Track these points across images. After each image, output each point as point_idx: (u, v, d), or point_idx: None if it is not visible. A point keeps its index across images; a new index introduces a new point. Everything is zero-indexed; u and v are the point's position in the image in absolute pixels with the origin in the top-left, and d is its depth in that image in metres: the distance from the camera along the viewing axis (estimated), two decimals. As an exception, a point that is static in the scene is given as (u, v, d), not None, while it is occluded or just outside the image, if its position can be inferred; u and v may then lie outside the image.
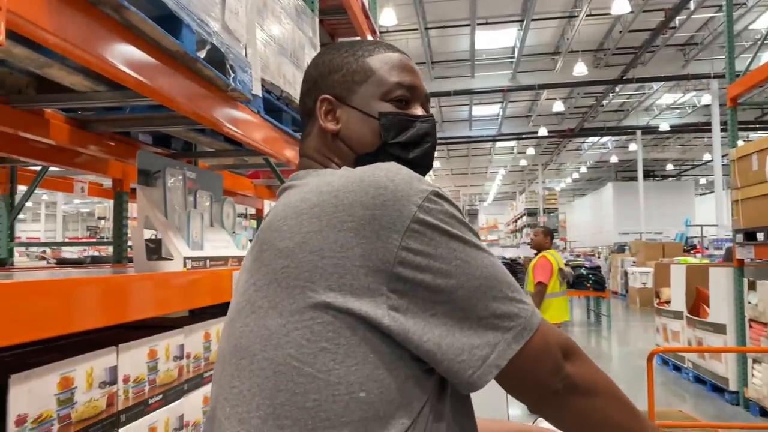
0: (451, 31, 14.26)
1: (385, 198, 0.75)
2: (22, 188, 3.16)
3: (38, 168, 3.12)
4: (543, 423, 0.97)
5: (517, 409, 4.39)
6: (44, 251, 10.39)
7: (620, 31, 14.28)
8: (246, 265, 0.87)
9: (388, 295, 0.74)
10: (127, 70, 1.32)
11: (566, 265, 6.13)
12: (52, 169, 3.16)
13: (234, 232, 2.08)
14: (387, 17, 11.07)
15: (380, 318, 0.73)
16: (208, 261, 1.81)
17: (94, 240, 11.60)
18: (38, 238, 21.24)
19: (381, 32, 13.34)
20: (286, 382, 0.74)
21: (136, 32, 1.34)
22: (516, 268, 10.41)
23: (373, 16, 4.93)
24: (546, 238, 6.20)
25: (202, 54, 1.59)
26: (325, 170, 0.92)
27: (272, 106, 2.24)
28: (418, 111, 0.97)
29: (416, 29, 13.65)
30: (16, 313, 1.01)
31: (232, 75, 1.74)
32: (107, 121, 2.15)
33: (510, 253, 12.38)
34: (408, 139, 0.94)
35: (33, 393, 1.05)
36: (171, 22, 1.43)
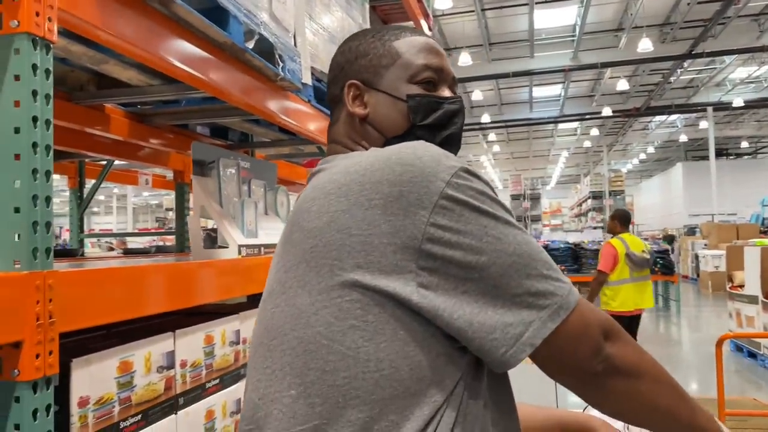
0: (509, 12, 13.96)
1: (412, 174, 0.75)
2: (91, 182, 3.31)
3: (104, 162, 3.25)
4: (592, 411, 0.93)
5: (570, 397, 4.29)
6: (109, 242, 10.86)
7: (688, 3, 13.63)
8: (278, 248, 0.88)
9: (417, 272, 0.73)
10: (177, 63, 1.36)
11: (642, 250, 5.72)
12: (118, 162, 3.29)
13: (288, 220, 2.11)
14: (442, 0, 10.94)
15: (409, 295, 0.73)
16: (262, 248, 1.85)
17: (162, 230, 12.04)
18: (110, 230, 22.27)
19: (436, 16, 13.22)
20: (316, 360, 0.75)
21: (184, 25, 1.37)
22: (579, 253, 10.14)
23: (426, 0, 4.87)
24: (614, 222, 5.88)
25: (251, 44, 1.61)
26: (353, 153, 0.92)
27: (324, 94, 2.25)
28: (446, 93, 0.96)
29: (472, 11, 13.43)
30: (85, 299, 1.06)
31: (281, 65, 1.76)
32: (164, 114, 2.21)
33: (573, 238, 12.07)
34: (436, 121, 0.94)
35: (94, 376, 1.10)
36: (218, 14, 1.45)
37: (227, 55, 1.56)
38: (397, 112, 0.94)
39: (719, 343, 3.01)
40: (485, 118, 19.96)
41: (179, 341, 1.35)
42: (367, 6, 2.83)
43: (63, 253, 2.80)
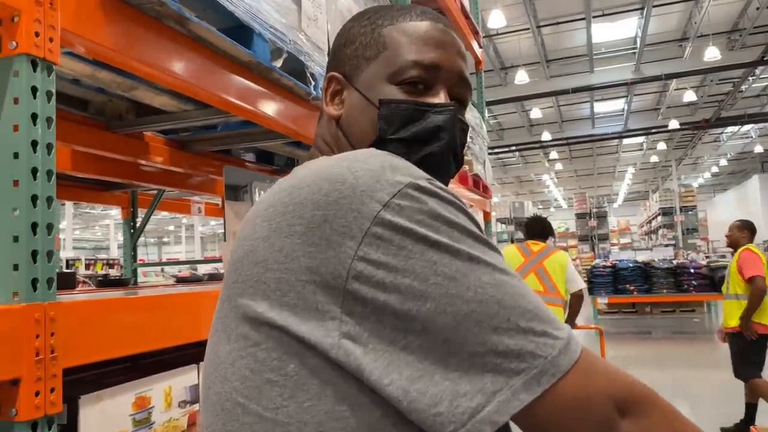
0: (565, 27, 13.70)
1: (340, 194, 0.59)
2: (144, 211, 3.36)
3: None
4: None
5: None
6: (162, 270, 11.15)
7: (757, 8, 13.01)
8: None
9: (342, 319, 0.57)
10: (198, 84, 1.31)
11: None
12: (170, 192, 3.33)
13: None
14: (495, 19, 10.83)
15: (328, 349, 0.57)
16: (299, 274, 1.77)
17: (211, 259, 12.30)
18: (177, 259, 22.95)
19: (490, 35, 13.12)
20: (233, 422, 0.61)
21: (206, 45, 1.32)
22: (650, 272, 9.69)
23: (475, 17, 4.79)
24: (743, 232, 5.14)
25: (278, 63, 1.56)
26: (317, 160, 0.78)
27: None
28: (438, 98, 0.76)
29: (527, 28, 13.25)
30: (92, 332, 1.00)
31: (313, 83, 1.70)
32: (203, 140, 2.19)
33: (643, 257, 11.56)
34: (412, 135, 0.74)
35: (106, 414, 1.03)
36: (242, 33, 1.41)
37: (255, 75, 1.51)
38: (366, 120, 0.76)
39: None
40: (545, 136, 19.59)
41: (204, 374, 1.28)
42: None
43: (115, 282, 2.83)
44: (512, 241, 14.64)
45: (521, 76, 13.85)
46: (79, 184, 2.90)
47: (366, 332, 0.56)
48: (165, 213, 3.32)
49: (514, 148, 20.96)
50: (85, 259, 11.93)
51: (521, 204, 20.77)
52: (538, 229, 4.35)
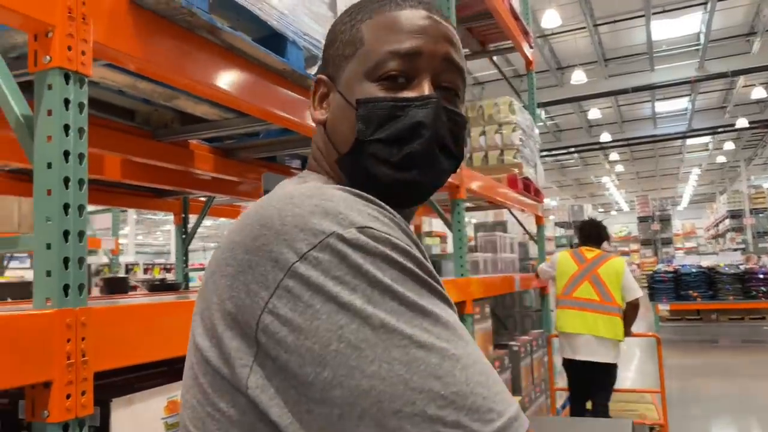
0: (624, 25, 13.32)
1: (265, 240, 0.55)
2: (195, 217, 3.45)
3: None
4: None
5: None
6: None
7: (832, -1, 12.32)
8: None
9: (254, 368, 0.53)
10: (232, 92, 1.33)
11: None
12: (221, 198, 3.40)
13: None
14: (550, 19, 10.65)
15: (243, 397, 0.55)
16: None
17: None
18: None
19: (545, 35, 12.90)
20: None
21: (238, 53, 1.34)
22: (714, 277, 9.28)
23: (525, 18, 4.72)
24: None
25: (313, 70, 1.57)
26: (295, 179, 0.74)
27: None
28: (421, 90, 0.69)
29: (584, 27, 12.95)
30: (124, 336, 1.03)
31: (350, 89, 1.70)
32: (246, 147, 2.23)
33: (708, 261, 11.08)
34: (391, 135, 0.67)
35: (138, 417, 1.06)
36: (276, 41, 1.42)
37: (289, 82, 1.53)
38: (347, 122, 0.70)
39: None
40: (605, 137, 19.08)
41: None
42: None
43: (166, 287, 2.91)
44: (571, 246, 14.29)
45: (578, 76, 13.56)
46: (132, 192, 3.00)
47: (273, 388, 0.53)
48: (223, 219, 3.42)
49: (572, 149, 20.50)
50: (144, 264, 12.33)
51: (580, 207, 20.28)
52: (592, 234, 4.20)
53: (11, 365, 0.85)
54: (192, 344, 0.61)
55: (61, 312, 0.91)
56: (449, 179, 2.69)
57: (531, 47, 4.79)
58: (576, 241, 4.35)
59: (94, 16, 1.00)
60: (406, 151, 0.67)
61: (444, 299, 0.56)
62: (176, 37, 1.18)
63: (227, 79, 1.32)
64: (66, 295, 0.92)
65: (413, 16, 0.70)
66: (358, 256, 0.53)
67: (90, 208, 5.48)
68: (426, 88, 0.69)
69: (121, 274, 7.43)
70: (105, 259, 6.45)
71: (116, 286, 2.79)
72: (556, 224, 18.93)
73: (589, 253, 4.07)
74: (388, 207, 0.61)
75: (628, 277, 3.92)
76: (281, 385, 0.52)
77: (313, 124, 0.79)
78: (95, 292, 3.24)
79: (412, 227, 0.66)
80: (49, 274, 0.92)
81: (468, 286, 2.87)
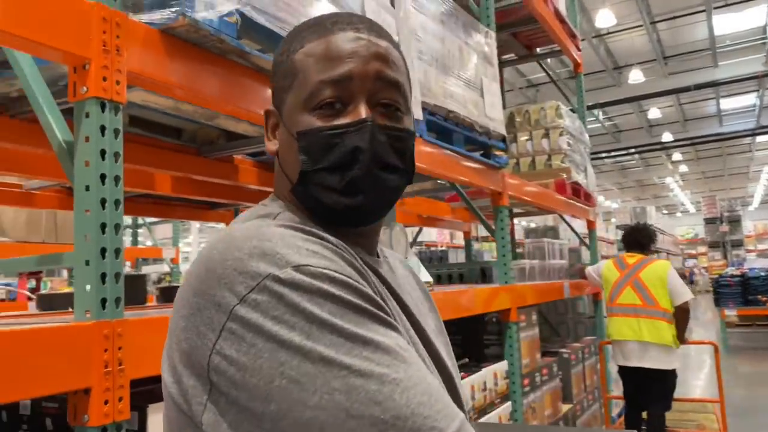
0: (683, 21, 12.88)
1: (209, 284, 0.58)
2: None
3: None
4: None
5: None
6: None
7: None
8: None
9: (207, 406, 0.57)
10: (258, 111, 1.39)
11: None
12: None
13: (405, 258, 2.07)
14: (604, 18, 10.44)
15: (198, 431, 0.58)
16: (373, 289, 1.81)
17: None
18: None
19: (600, 35, 12.62)
20: None
21: (268, 74, 1.40)
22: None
23: (572, 20, 4.65)
24: None
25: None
26: (258, 206, 0.76)
27: (439, 127, 2.20)
28: (357, 113, 0.69)
29: (641, 25, 12.61)
30: (158, 346, 1.10)
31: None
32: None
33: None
34: (331, 164, 0.69)
35: (174, 421, 1.12)
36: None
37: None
38: (293, 154, 0.71)
39: None
40: (667, 137, 18.48)
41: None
42: (493, 34, 2.74)
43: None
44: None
45: (636, 75, 13.20)
46: (187, 204, 3.14)
47: (226, 423, 0.56)
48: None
49: (633, 150, 19.93)
50: (202, 273, 12.68)
51: (643, 209, 19.63)
52: (632, 240, 4.12)
53: (54, 372, 0.93)
54: (162, 378, 0.64)
55: (99, 324, 0.98)
56: (491, 186, 2.70)
57: (578, 50, 4.73)
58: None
59: (127, 47, 1.08)
60: (348, 178, 0.68)
61: (387, 324, 0.58)
62: (207, 62, 1.25)
63: (258, 98, 1.38)
64: (104, 307, 1.00)
65: (341, 40, 0.70)
66: (295, 295, 0.55)
67: (150, 219, 5.70)
68: (362, 111, 0.69)
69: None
70: (166, 268, 6.71)
71: (171, 294, 2.91)
72: (618, 227, 18.42)
73: (631, 258, 4.00)
74: (330, 238, 0.64)
75: (674, 281, 3.81)
76: (235, 418, 0.56)
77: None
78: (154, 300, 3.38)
79: (396, 237, 0.68)
80: (88, 288, 0.99)
81: (513, 293, 2.86)
